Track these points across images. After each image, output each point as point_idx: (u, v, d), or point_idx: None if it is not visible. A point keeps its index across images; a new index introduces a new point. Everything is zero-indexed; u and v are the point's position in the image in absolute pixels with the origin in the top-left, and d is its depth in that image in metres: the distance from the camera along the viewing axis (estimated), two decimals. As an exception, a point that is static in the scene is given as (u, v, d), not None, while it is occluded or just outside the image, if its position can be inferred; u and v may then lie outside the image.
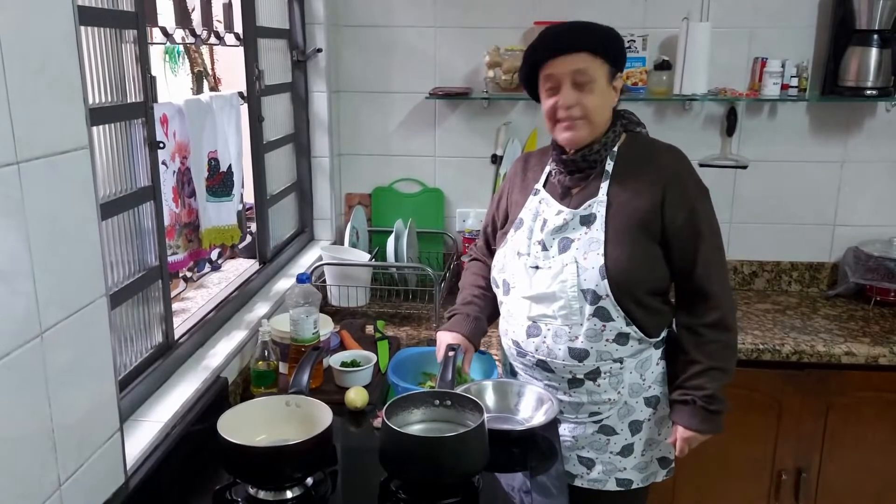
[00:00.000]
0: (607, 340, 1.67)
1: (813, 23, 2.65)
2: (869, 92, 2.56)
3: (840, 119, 2.72)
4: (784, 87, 2.60)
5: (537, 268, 1.71)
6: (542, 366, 1.74)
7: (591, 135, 1.68)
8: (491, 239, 1.95)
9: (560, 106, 1.65)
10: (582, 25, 1.69)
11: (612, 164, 1.70)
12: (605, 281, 1.63)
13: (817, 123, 2.73)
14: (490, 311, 1.91)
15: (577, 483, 1.78)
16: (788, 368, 2.36)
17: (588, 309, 1.65)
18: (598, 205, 1.68)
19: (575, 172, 1.72)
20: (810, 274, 2.85)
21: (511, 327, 1.78)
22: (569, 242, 1.69)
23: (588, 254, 1.65)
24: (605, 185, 1.69)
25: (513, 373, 1.88)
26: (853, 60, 2.56)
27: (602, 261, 1.63)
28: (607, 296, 1.63)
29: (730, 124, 2.71)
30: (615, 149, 1.71)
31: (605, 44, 1.66)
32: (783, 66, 2.59)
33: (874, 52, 2.53)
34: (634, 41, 2.61)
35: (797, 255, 2.85)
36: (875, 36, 2.52)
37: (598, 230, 1.66)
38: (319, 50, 2.67)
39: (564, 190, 1.75)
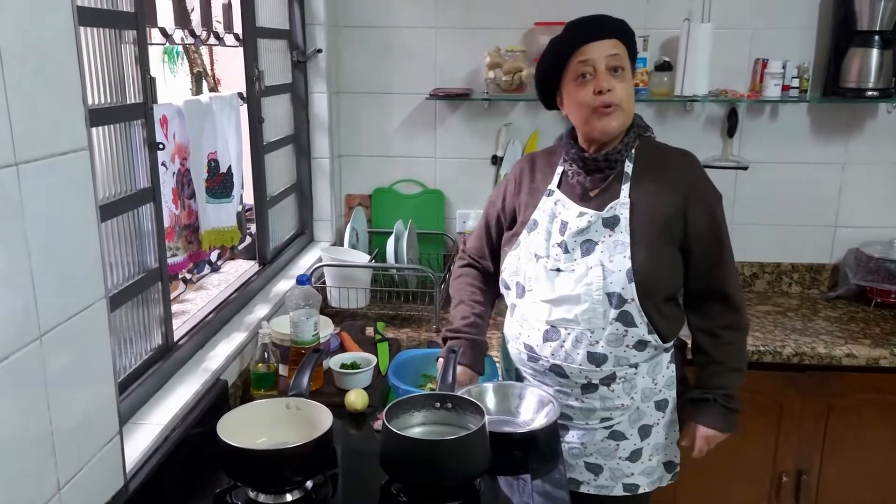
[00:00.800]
0: (627, 346, 1.65)
1: (814, 24, 2.65)
2: (870, 93, 2.55)
3: (841, 120, 2.72)
4: (785, 88, 2.60)
5: (559, 270, 1.68)
6: (556, 371, 1.70)
7: (622, 125, 1.65)
8: (495, 241, 1.89)
9: (597, 89, 1.60)
10: (608, 16, 1.68)
11: (630, 165, 1.69)
12: (633, 284, 1.61)
13: (818, 125, 2.73)
14: (488, 324, 1.88)
15: (584, 489, 1.77)
16: (789, 370, 2.36)
17: (612, 313, 1.63)
18: (620, 207, 1.65)
19: (595, 172, 1.69)
20: (811, 275, 2.85)
21: (525, 331, 1.74)
22: (592, 245, 1.66)
23: (614, 256, 1.63)
24: (626, 187, 1.67)
25: (518, 378, 1.84)
26: (854, 62, 2.55)
27: (629, 264, 1.61)
28: (633, 300, 1.61)
29: (731, 125, 2.71)
30: (632, 151, 1.70)
31: (630, 37, 1.68)
32: (784, 67, 2.59)
33: (875, 53, 2.52)
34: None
35: (798, 257, 2.84)
36: (876, 37, 2.52)
37: (622, 233, 1.63)
38: (319, 50, 2.67)
39: (584, 191, 1.71)
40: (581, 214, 1.68)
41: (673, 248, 1.66)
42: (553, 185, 1.76)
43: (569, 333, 1.67)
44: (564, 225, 1.69)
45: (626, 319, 1.63)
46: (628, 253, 1.62)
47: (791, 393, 2.38)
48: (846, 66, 2.57)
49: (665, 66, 2.63)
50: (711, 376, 1.72)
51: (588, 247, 1.66)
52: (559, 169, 1.77)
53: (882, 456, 2.42)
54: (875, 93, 2.55)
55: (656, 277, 1.63)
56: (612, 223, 1.65)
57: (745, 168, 2.70)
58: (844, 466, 2.43)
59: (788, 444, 2.43)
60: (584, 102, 1.63)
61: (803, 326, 2.52)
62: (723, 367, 1.72)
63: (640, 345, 1.66)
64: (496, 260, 1.88)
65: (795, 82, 2.61)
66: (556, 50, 1.68)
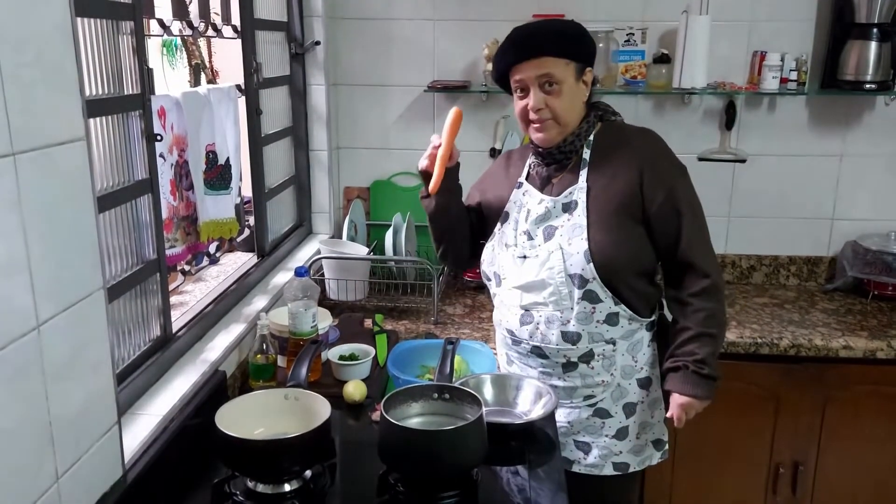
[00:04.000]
0: (598, 322, 1.71)
1: (812, 16, 2.65)
2: (868, 86, 2.55)
3: (839, 113, 2.72)
4: (783, 80, 2.60)
5: (525, 257, 1.75)
6: (537, 352, 1.77)
7: (562, 134, 1.72)
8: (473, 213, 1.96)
9: (530, 108, 1.70)
10: (545, 28, 1.73)
11: (588, 152, 1.74)
12: (591, 264, 1.66)
13: (816, 117, 2.73)
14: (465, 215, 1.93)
15: (575, 469, 1.81)
16: (786, 362, 2.36)
17: (577, 293, 1.69)
18: (578, 191, 1.72)
19: (552, 164, 1.77)
20: (808, 268, 2.85)
21: (504, 317, 1.82)
22: (553, 230, 1.73)
23: (572, 239, 1.69)
24: (584, 173, 1.73)
25: (508, 362, 1.89)
26: (852, 54, 2.55)
27: (586, 245, 1.67)
28: (594, 279, 1.67)
29: (729, 118, 2.71)
30: (591, 137, 1.75)
31: (568, 45, 1.69)
32: (782, 59, 2.58)
33: (874, 45, 2.52)
34: (633, 34, 2.60)
35: (795, 249, 2.85)
36: (874, 29, 2.52)
37: (580, 216, 1.70)
38: (318, 42, 2.66)
39: (545, 180, 1.79)
40: (541, 201, 1.76)
41: (634, 225, 1.70)
42: (522, 178, 1.84)
43: (541, 315, 1.73)
44: (528, 213, 1.77)
45: (591, 297, 1.69)
46: (585, 235, 1.68)
47: (788, 385, 2.38)
48: (844, 59, 2.57)
49: (663, 59, 2.63)
50: (682, 343, 1.71)
51: (549, 232, 1.73)
52: (528, 161, 1.84)
53: (878, 447, 2.43)
54: (873, 85, 2.55)
55: (615, 256, 1.67)
56: (570, 208, 1.72)
57: (743, 161, 2.70)
58: (841, 458, 2.44)
59: (785, 435, 2.44)
60: (521, 115, 1.74)
61: (800, 318, 2.52)
62: (692, 332, 1.70)
63: (612, 318, 1.71)
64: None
65: (793, 75, 2.60)
66: (497, 66, 1.75)
